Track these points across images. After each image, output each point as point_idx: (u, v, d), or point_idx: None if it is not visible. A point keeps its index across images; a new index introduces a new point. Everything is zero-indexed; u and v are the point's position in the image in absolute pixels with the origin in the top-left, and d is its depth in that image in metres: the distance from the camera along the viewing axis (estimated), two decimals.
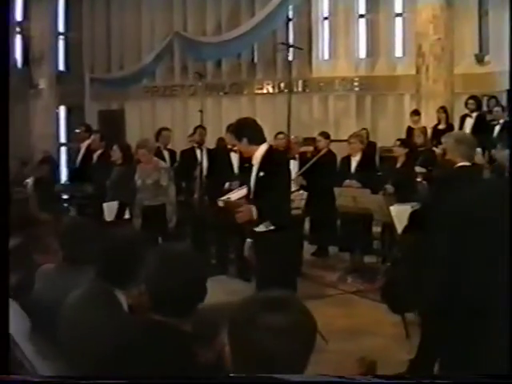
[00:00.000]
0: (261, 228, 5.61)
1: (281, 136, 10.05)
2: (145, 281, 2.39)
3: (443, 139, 9.64)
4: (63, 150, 17.93)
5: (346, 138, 10.80)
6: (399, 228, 6.38)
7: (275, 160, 5.74)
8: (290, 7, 16.06)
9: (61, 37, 17.92)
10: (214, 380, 1.61)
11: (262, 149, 5.64)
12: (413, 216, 5.55)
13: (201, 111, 10.55)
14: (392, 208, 6.89)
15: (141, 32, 17.75)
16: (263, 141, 5.72)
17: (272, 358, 1.72)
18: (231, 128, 6.06)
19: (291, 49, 15.90)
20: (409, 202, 6.56)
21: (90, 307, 3.08)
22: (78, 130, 11.41)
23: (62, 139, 17.95)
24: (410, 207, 6.16)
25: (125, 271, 3.15)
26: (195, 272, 2.40)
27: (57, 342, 3.32)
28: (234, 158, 9.33)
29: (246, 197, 5.92)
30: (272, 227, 5.60)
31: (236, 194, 6.64)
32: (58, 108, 16.77)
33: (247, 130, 5.72)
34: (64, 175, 16.52)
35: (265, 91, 16.96)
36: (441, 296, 4.97)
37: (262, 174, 5.68)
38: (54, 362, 3.33)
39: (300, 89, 16.53)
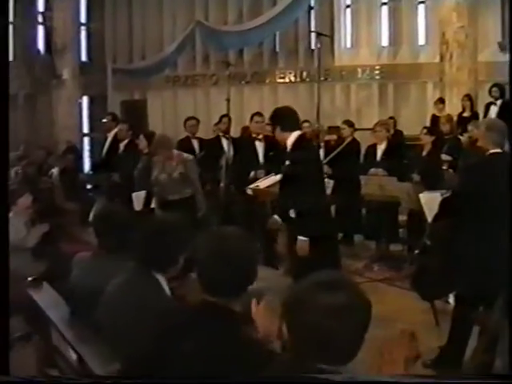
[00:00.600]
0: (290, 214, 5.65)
1: (306, 124, 10.05)
2: (196, 263, 2.41)
3: (470, 127, 9.70)
4: (86, 140, 17.99)
5: (368, 126, 10.82)
6: (429, 216, 6.38)
7: (305, 147, 5.78)
8: None
9: (83, 27, 18.00)
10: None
11: (294, 135, 5.69)
12: (444, 203, 5.54)
13: (228, 100, 10.52)
14: (421, 195, 6.88)
15: (162, 22, 17.78)
16: (295, 129, 5.76)
17: (330, 337, 1.75)
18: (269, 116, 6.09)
19: (315, 37, 16.05)
20: (437, 190, 6.55)
21: (135, 292, 3.13)
22: (104, 120, 11.43)
23: (85, 129, 18.02)
24: (440, 195, 6.16)
25: (167, 256, 3.20)
26: (248, 255, 2.43)
27: (98, 327, 3.38)
28: (259, 147, 9.33)
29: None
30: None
31: (265, 182, 6.67)
32: (81, 98, 16.83)
33: (280, 118, 5.81)
34: (87, 165, 16.61)
35: (287, 80, 16.91)
36: (471, 284, 5.00)
37: (288, 162, 5.74)
38: (95, 346, 3.38)
39: (322, 78, 16.46)
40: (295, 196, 5.63)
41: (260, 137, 9.30)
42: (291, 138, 5.68)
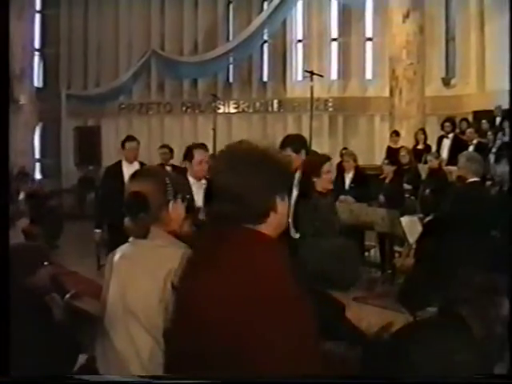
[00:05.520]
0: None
1: None
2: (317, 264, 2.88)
3: (429, 157, 10.36)
4: (37, 165, 17.97)
5: None
6: (410, 237, 6.91)
7: None
8: (266, 31, 16.69)
9: (37, 53, 18.08)
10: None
11: None
12: (428, 225, 6.08)
13: (213, 129, 10.71)
14: (402, 219, 7.42)
15: (118, 49, 18.05)
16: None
17: None
18: None
19: (265, 70, 16.71)
20: (414, 215, 7.09)
21: None
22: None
23: (37, 155, 18.00)
24: (418, 219, 6.70)
25: None
26: (356, 260, 2.94)
27: None
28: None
29: None
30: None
31: None
32: (37, 124, 16.90)
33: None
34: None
35: (240, 110, 17.41)
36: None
37: None
38: None
39: (275, 109, 17.11)
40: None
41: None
42: None
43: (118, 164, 7.57)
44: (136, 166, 7.18)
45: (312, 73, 12.22)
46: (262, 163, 1.91)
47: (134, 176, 2.52)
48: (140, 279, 2.39)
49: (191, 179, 5.40)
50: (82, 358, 3.66)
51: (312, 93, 12.56)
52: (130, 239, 2.50)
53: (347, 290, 2.94)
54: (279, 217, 1.94)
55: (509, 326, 2.40)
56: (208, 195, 1.95)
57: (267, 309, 1.76)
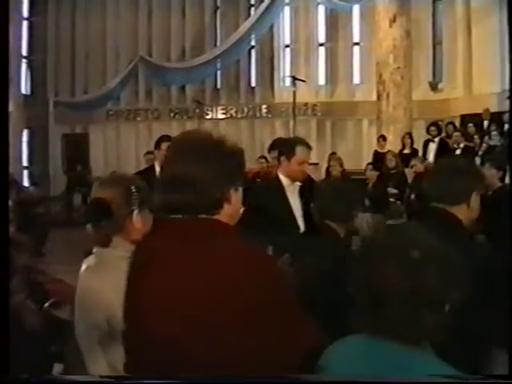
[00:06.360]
0: None
1: (262, 160, 10.40)
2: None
3: (413, 161, 10.36)
4: (25, 172, 17.91)
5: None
6: None
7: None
8: (253, 36, 16.69)
9: (25, 60, 18.03)
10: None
11: None
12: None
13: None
14: (388, 223, 7.40)
15: (106, 56, 18.03)
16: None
17: None
18: None
19: (253, 75, 16.72)
20: (400, 219, 7.08)
21: None
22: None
23: (25, 163, 17.95)
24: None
25: None
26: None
27: None
28: None
29: None
30: None
31: None
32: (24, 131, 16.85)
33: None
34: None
35: (228, 116, 17.40)
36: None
37: None
38: None
39: (264, 114, 17.11)
40: None
41: None
42: None
43: (151, 169, 6.22)
44: None
45: (295, 78, 12.22)
46: (213, 152, 1.85)
47: (100, 183, 2.47)
48: (102, 291, 2.34)
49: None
50: (58, 367, 3.64)
51: (294, 98, 12.57)
52: (94, 249, 2.45)
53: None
54: (233, 208, 1.89)
55: (509, 327, 2.38)
56: (160, 185, 1.89)
57: (231, 303, 1.70)
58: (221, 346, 1.71)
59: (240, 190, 1.94)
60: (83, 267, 2.48)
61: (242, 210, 1.98)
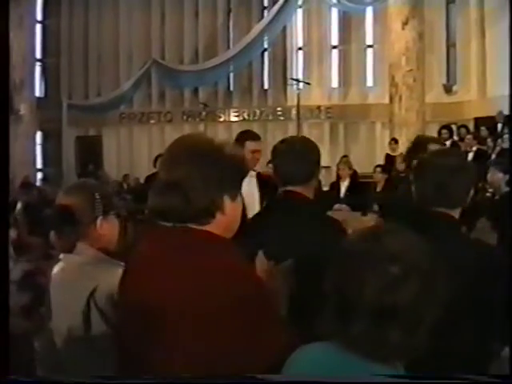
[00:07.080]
0: None
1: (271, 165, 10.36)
2: None
3: None
4: (39, 175, 18.00)
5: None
6: None
7: None
8: (266, 38, 16.66)
9: (38, 63, 18.13)
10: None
11: None
12: None
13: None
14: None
15: (119, 59, 18.08)
16: None
17: None
18: None
19: (266, 78, 16.68)
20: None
21: None
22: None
23: (39, 165, 18.03)
24: None
25: None
26: None
27: None
28: None
29: None
30: None
31: None
32: (38, 133, 16.96)
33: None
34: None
35: (241, 118, 17.37)
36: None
37: None
38: None
39: (276, 116, 17.09)
40: None
41: None
42: None
43: None
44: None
45: (298, 80, 12.19)
46: (208, 156, 1.73)
47: (65, 190, 2.44)
48: (65, 299, 2.33)
49: None
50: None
51: (298, 100, 12.58)
52: (61, 256, 2.44)
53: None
54: (228, 218, 1.76)
55: (509, 324, 2.33)
56: (152, 190, 1.79)
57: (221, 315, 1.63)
58: (190, 349, 1.65)
59: (239, 199, 1.81)
60: (53, 271, 2.48)
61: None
